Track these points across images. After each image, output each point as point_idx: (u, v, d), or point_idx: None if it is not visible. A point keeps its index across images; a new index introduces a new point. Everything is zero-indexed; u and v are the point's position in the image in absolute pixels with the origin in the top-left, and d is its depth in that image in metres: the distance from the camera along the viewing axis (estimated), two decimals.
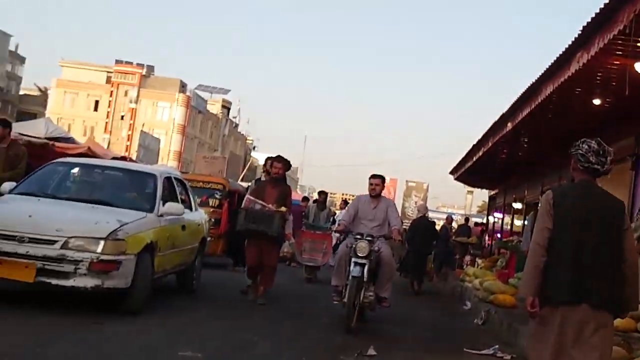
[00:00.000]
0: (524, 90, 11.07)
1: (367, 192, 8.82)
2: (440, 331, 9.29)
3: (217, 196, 13.47)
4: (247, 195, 9.67)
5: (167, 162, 59.41)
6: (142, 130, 51.22)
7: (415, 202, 64.96)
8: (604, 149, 4.23)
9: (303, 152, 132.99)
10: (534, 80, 10.45)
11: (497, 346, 7.61)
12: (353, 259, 7.84)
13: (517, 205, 20.84)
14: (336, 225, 11.02)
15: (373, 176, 8.79)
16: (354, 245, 7.95)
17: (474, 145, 17.92)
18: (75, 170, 8.50)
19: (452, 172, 25.47)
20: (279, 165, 9.41)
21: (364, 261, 7.83)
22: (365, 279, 7.83)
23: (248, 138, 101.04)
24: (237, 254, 12.48)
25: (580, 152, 4.21)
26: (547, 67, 9.82)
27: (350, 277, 7.81)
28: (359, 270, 7.77)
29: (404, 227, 19.04)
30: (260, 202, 9.11)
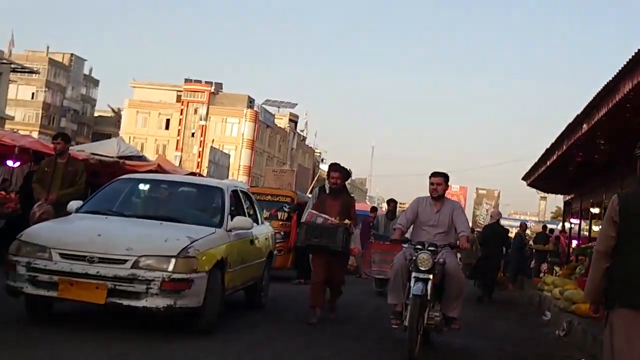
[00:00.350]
0: (599, 90, 10.58)
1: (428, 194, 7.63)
2: (520, 344, 8.87)
3: (286, 209, 13.42)
4: (309, 209, 9.04)
5: (237, 177, 60.14)
6: (211, 147, 51.92)
7: (487, 210, 63.96)
8: None
9: (371, 162, 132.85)
10: (610, 78, 9.97)
11: (582, 359, 7.21)
12: (414, 274, 6.67)
13: (595, 210, 20.01)
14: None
15: (434, 174, 7.57)
16: (414, 257, 6.77)
17: (547, 150, 17.33)
18: (142, 186, 8.49)
19: (524, 178, 24.75)
20: (336, 175, 8.76)
21: (426, 276, 6.64)
22: (429, 298, 6.68)
23: (316, 150, 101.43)
24: (303, 267, 12.35)
25: None
26: (625, 63, 9.35)
27: (411, 296, 6.60)
28: (421, 287, 6.55)
29: (476, 233, 18.62)
30: (323, 215, 8.50)
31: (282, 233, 13.09)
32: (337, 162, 9.15)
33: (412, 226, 7.58)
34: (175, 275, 6.29)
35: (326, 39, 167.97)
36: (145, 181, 8.70)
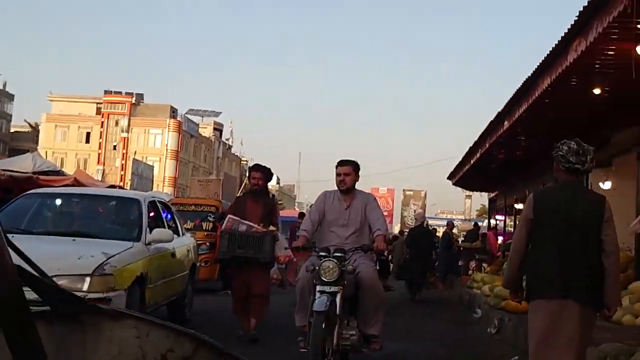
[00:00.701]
0: (519, 86, 10.65)
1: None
2: (453, 345, 8.77)
3: (211, 219, 13.03)
4: (228, 215, 7.86)
5: (162, 189, 58.97)
6: (134, 159, 50.72)
7: (414, 211, 64.66)
8: (584, 148, 4.37)
9: (298, 169, 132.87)
10: (529, 75, 10.04)
11: (517, 357, 7.13)
12: (317, 287, 5.54)
13: (519, 206, 20.35)
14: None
15: (340, 163, 6.36)
16: (316, 267, 5.62)
17: (470, 148, 17.51)
18: (52, 201, 8.01)
19: (450, 177, 25.04)
20: (258, 175, 7.87)
21: (332, 288, 5.52)
22: (337, 313, 5.55)
23: (242, 159, 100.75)
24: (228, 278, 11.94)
25: (561, 153, 4.38)
26: (543, 58, 9.41)
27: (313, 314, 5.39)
28: (324, 301, 5.38)
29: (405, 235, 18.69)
30: (246, 222, 7.53)
31: (207, 244, 12.72)
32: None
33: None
34: (90, 295, 5.87)
35: (249, 46, 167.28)
36: (54, 195, 8.21)
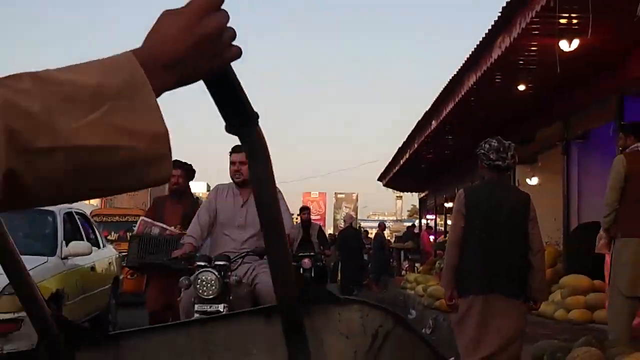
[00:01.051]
0: (446, 84, 10.63)
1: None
2: None
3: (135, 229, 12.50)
4: (141, 217, 7.08)
5: (87, 200, 57.29)
6: None
7: (346, 213, 64.84)
8: (504, 145, 4.45)
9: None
10: (455, 72, 10.03)
11: (452, 358, 6.99)
12: (195, 306, 4.73)
13: (449, 205, 20.51)
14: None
15: (235, 149, 5.25)
16: (191, 282, 4.81)
17: (399, 149, 17.53)
18: None
19: (380, 179, 25.10)
20: (178, 172, 6.69)
21: (213, 307, 4.70)
22: None
23: None
24: None
25: (482, 151, 4.46)
26: (468, 56, 9.40)
27: None
28: None
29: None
30: (159, 224, 6.53)
31: None
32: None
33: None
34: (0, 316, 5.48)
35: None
36: None
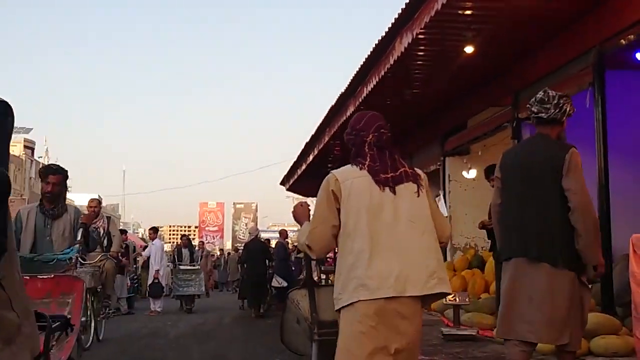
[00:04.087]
0: (372, 48, 8.59)
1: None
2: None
3: None
4: None
5: None
6: None
7: (246, 224, 62.72)
8: (548, 95, 4.12)
9: (123, 186, 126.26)
10: (384, 33, 8.04)
11: None
12: None
13: None
14: None
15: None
16: None
17: (306, 144, 15.44)
18: None
19: (282, 183, 22.98)
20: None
21: None
22: None
23: None
24: None
25: (528, 105, 4.20)
26: (401, 11, 7.49)
27: None
28: None
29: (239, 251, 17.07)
30: None
31: None
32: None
33: None
34: None
35: (63, 55, 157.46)
36: None
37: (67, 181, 6.61)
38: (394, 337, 2.96)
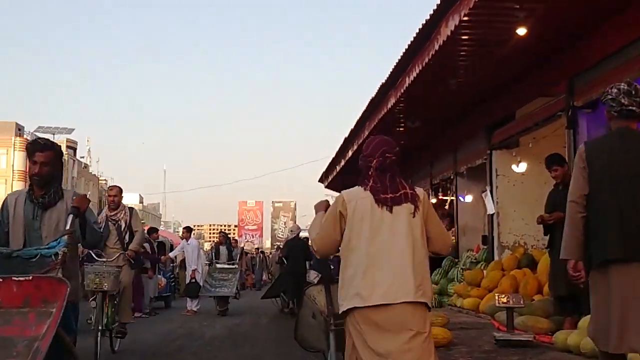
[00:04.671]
0: (416, 34, 8.07)
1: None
2: None
3: None
4: None
5: None
6: None
7: (285, 223, 62.54)
8: (636, 87, 3.84)
9: (164, 186, 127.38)
10: (429, 16, 7.52)
11: None
12: None
13: None
14: None
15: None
16: None
17: (345, 139, 14.95)
18: None
19: (321, 180, 22.54)
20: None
21: None
22: None
23: (101, 178, 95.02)
24: None
25: (610, 96, 3.88)
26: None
27: None
28: None
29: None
30: None
31: None
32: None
33: None
34: None
35: (105, 58, 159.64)
36: None
37: (62, 160, 5.15)
38: (386, 340, 3.35)
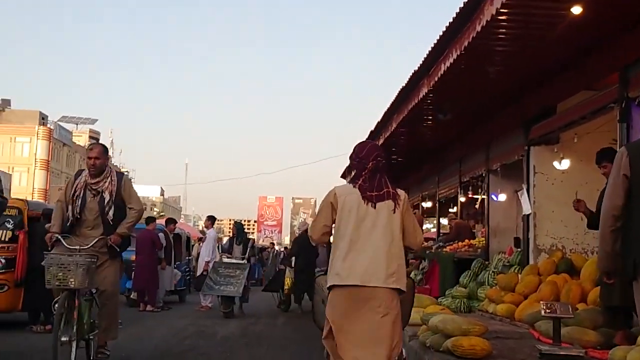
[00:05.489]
0: (456, 14, 7.38)
1: None
2: None
3: (9, 225, 8.97)
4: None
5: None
6: None
7: (304, 219, 62.14)
8: None
9: (185, 179, 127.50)
10: (465, 1, 6.85)
11: None
12: None
13: (427, 204, 17.38)
14: None
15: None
16: None
17: (371, 132, 14.28)
18: None
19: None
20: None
21: None
22: None
23: (123, 169, 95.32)
24: (39, 307, 8.84)
25: None
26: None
27: None
28: None
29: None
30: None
31: (2, 261, 8.80)
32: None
33: None
34: None
35: (128, 50, 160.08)
36: None
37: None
38: (355, 313, 3.94)
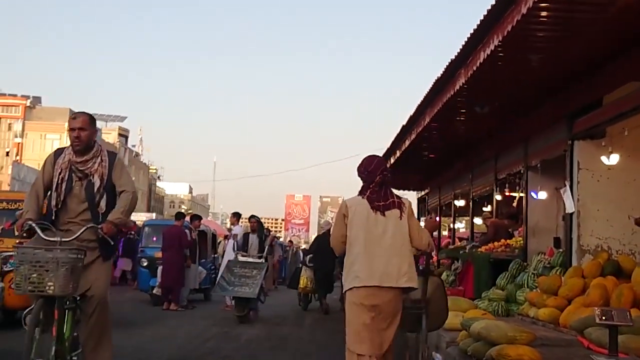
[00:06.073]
0: (492, 5, 6.85)
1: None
2: None
3: None
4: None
5: None
6: (14, 162, 45.43)
7: (332, 219, 61.78)
8: None
9: (213, 177, 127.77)
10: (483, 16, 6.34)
11: None
12: None
13: (460, 203, 16.79)
14: None
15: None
16: None
17: (403, 127, 13.76)
18: None
19: None
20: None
21: None
22: None
23: (151, 167, 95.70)
24: None
25: None
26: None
27: None
28: None
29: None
30: None
31: None
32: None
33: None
34: None
35: (158, 49, 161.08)
36: None
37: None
38: (374, 310, 4.41)
